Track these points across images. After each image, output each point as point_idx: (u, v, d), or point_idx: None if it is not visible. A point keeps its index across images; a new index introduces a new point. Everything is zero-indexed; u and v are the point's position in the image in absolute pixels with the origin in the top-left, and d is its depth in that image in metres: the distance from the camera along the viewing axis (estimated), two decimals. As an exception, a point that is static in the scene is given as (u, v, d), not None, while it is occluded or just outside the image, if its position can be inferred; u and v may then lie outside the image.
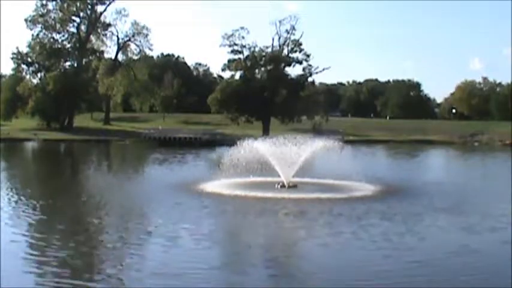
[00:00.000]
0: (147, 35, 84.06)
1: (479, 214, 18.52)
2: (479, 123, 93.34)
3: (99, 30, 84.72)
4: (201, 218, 17.19)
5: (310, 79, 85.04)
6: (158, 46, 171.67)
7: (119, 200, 21.61)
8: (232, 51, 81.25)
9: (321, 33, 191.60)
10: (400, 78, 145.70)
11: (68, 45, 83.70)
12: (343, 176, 25.12)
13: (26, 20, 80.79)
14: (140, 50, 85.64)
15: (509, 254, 13.10)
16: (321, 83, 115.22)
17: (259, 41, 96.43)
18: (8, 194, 22.33)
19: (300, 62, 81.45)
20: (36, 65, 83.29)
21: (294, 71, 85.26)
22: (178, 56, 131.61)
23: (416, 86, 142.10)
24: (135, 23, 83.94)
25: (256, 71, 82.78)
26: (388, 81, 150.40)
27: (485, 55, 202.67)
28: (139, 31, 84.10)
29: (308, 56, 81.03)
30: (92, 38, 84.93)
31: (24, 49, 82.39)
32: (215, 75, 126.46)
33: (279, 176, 24.34)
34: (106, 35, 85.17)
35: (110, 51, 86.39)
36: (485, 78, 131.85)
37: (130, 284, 10.86)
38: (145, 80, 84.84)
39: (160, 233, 14.72)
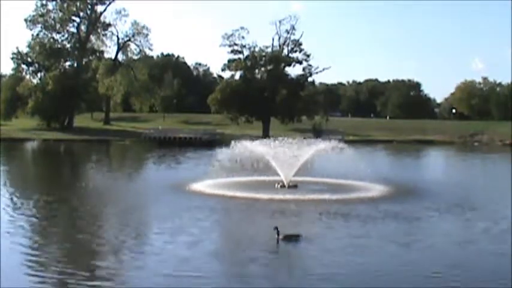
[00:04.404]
0: (147, 35, 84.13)
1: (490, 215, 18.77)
2: (479, 123, 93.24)
3: (99, 30, 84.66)
4: (202, 221, 17.20)
5: (310, 79, 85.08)
6: (158, 46, 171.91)
7: (118, 201, 21.63)
8: (232, 51, 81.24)
9: (321, 33, 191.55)
10: (400, 78, 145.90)
11: (68, 45, 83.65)
12: (344, 175, 25.18)
13: (26, 20, 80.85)
14: (140, 50, 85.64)
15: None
16: (321, 83, 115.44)
17: (259, 41, 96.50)
18: (7, 196, 22.32)
19: (300, 62, 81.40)
20: (36, 65, 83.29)
21: (294, 71, 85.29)
22: (178, 56, 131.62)
23: (416, 86, 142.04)
24: (135, 23, 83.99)
25: (256, 71, 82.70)
26: (388, 81, 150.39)
27: (487, 56, 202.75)
28: (139, 31, 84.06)
29: (308, 56, 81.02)
30: (92, 38, 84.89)
31: (24, 49, 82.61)
32: (215, 75, 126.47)
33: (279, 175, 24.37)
34: (106, 35, 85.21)
35: (110, 51, 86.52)
36: (485, 78, 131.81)
37: (133, 283, 10.89)
38: (145, 80, 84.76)
39: (163, 238, 14.49)
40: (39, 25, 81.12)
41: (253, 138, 28.91)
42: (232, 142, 25.61)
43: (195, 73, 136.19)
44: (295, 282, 11.31)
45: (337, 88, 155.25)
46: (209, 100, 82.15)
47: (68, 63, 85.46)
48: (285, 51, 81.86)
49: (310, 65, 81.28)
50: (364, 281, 11.20)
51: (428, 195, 23.24)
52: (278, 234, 13.84)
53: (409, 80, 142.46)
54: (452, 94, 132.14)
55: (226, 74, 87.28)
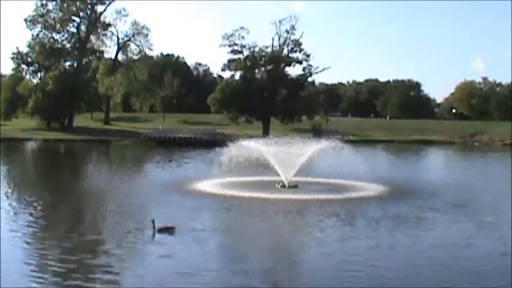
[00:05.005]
0: (147, 35, 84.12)
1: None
2: (479, 123, 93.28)
3: (99, 30, 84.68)
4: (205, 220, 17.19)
5: (310, 79, 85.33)
6: (158, 46, 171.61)
7: (115, 201, 21.61)
8: (232, 51, 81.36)
9: (321, 33, 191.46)
10: (400, 78, 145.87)
11: (68, 45, 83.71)
12: (344, 175, 25.17)
13: (26, 20, 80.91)
14: (140, 50, 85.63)
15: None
16: (321, 83, 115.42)
17: (259, 41, 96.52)
18: (7, 196, 22.27)
19: (300, 62, 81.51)
20: (36, 65, 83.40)
21: (294, 71, 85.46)
22: (178, 56, 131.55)
23: (416, 86, 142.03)
24: (135, 23, 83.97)
25: (256, 71, 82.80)
26: (388, 81, 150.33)
27: (487, 56, 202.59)
28: (139, 31, 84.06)
29: (308, 56, 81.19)
30: (92, 38, 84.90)
31: (24, 49, 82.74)
32: (215, 75, 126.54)
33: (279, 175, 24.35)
34: (106, 35, 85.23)
35: (110, 51, 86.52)
36: (485, 78, 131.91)
37: (132, 283, 10.89)
38: (145, 80, 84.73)
39: (168, 241, 14.35)
40: (39, 25, 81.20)
41: (251, 137, 28.89)
42: (232, 142, 25.65)
43: (195, 73, 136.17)
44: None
45: (337, 88, 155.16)
46: (209, 100, 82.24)
47: (68, 63, 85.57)
48: (285, 51, 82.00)
49: (310, 65, 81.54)
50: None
51: (434, 195, 23.08)
52: (154, 227, 14.41)
53: (409, 80, 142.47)
54: (452, 94, 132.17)
55: (226, 74, 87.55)
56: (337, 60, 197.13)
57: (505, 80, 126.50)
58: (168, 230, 14.56)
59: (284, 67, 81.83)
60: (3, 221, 16.35)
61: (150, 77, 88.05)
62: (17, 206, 19.41)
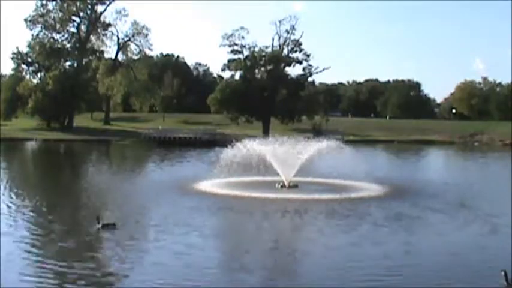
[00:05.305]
0: (147, 35, 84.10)
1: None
2: (479, 123, 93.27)
3: (99, 30, 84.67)
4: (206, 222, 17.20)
5: (310, 79, 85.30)
6: (158, 46, 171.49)
7: (118, 201, 21.61)
8: (232, 51, 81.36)
9: (321, 33, 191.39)
10: (400, 78, 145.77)
11: (68, 45, 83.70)
12: (344, 175, 25.16)
13: (26, 20, 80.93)
14: (140, 50, 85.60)
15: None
16: (321, 83, 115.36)
17: (259, 41, 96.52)
18: (7, 197, 22.24)
19: (300, 62, 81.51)
20: (36, 65, 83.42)
21: (294, 71, 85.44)
22: (178, 56, 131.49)
23: (416, 86, 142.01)
24: (135, 23, 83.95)
25: (256, 71, 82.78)
26: (388, 81, 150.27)
27: (487, 56, 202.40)
28: (139, 31, 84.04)
29: (308, 56, 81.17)
30: (92, 38, 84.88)
31: (24, 49, 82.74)
32: (215, 75, 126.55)
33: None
34: (106, 35, 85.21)
35: (110, 51, 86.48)
36: (485, 78, 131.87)
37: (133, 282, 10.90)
38: (145, 80, 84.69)
39: (170, 241, 14.38)
40: (39, 25, 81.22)
41: (251, 137, 28.90)
42: (233, 142, 25.66)
43: (195, 73, 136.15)
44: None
45: (337, 88, 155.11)
46: (209, 100, 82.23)
47: (68, 63, 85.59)
48: (285, 51, 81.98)
49: (310, 65, 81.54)
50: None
51: (434, 196, 23.07)
52: (98, 223, 15.35)
53: (409, 80, 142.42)
54: (452, 94, 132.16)
55: (226, 74, 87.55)
56: (337, 60, 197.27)
57: (505, 80, 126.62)
58: (109, 226, 15.36)
59: (284, 67, 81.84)
60: (3, 222, 16.35)
61: (150, 77, 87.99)
62: (17, 206, 19.40)
